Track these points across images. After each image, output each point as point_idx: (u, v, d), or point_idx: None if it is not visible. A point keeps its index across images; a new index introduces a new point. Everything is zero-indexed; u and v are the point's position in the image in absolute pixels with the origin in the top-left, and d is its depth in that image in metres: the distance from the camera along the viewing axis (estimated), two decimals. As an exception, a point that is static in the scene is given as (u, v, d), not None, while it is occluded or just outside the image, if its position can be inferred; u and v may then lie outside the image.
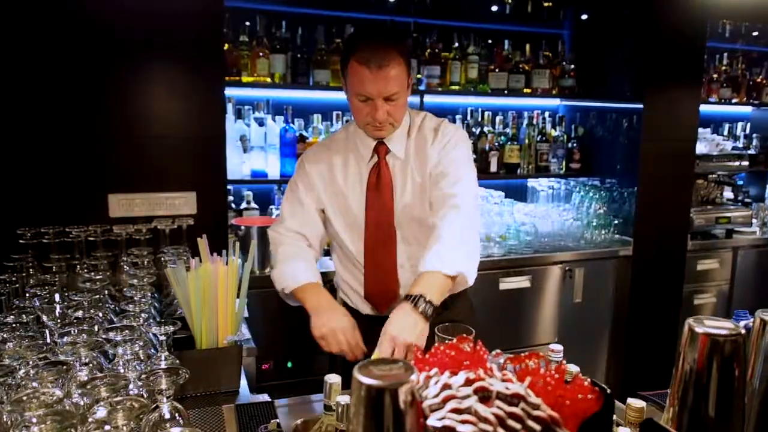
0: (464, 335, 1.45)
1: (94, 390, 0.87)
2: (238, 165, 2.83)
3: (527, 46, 3.41)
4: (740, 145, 3.92)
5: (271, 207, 2.99)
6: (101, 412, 0.81)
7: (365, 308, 1.77)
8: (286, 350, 2.59)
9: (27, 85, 2.15)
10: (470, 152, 1.73)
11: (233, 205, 2.92)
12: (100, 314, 1.44)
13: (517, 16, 3.39)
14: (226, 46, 2.75)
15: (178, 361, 1.30)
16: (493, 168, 3.27)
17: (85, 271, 1.74)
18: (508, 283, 2.91)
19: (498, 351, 0.66)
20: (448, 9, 3.26)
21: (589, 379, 0.62)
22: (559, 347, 1.43)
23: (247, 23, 2.86)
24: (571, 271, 3.03)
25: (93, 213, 2.19)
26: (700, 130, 3.67)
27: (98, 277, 1.67)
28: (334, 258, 1.86)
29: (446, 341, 1.44)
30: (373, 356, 1.42)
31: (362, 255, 1.71)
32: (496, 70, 3.27)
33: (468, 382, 0.57)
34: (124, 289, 1.55)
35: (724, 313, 3.55)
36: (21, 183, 2.18)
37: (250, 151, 2.86)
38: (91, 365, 1.02)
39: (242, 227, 2.43)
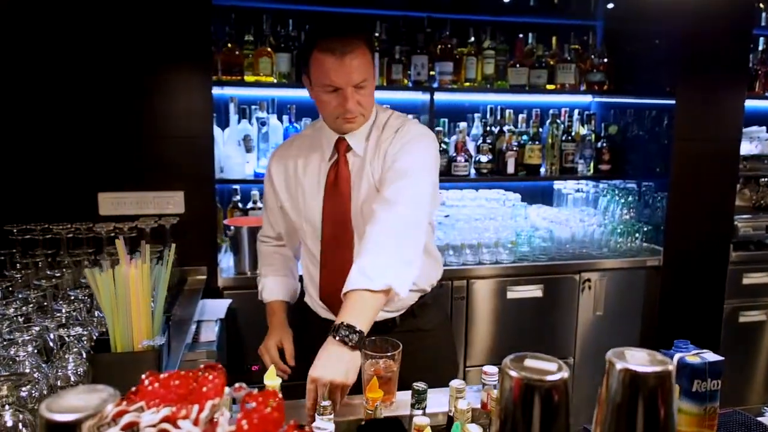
0: (391, 350, 1.35)
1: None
2: (240, 165, 2.82)
3: (553, 39, 3.20)
4: (804, 144, 3.48)
5: (275, 207, 2.96)
6: None
7: (322, 311, 1.69)
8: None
9: (17, 84, 2.23)
10: (431, 156, 1.58)
11: (240, 205, 2.93)
12: (64, 311, 1.44)
13: (543, 8, 3.18)
14: (229, 45, 2.75)
15: (88, 363, 1.28)
16: (510, 169, 3.07)
17: (48, 269, 1.77)
18: (517, 292, 2.72)
19: (240, 385, 0.57)
20: (464, 2, 3.10)
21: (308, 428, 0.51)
22: (493, 369, 1.27)
23: (260, 22, 2.84)
24: (589, 281, 2.81)
25: (83, 211, 2.25)
26: (754, 128, 3.30)
27: (57, 274, 1.70)
28: (302, 256, 1.80)
29: (372, 358, 1.34)
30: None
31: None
32: (516, 65, 3.07)
33: (163, 421, 0.49)
34: (68, 289, 1.56)
35: (777, 333, 3.17)
36: (13, 181, 2.27)
37: (253, 150, 2.85)
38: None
39: (232, 227, 2.42)
